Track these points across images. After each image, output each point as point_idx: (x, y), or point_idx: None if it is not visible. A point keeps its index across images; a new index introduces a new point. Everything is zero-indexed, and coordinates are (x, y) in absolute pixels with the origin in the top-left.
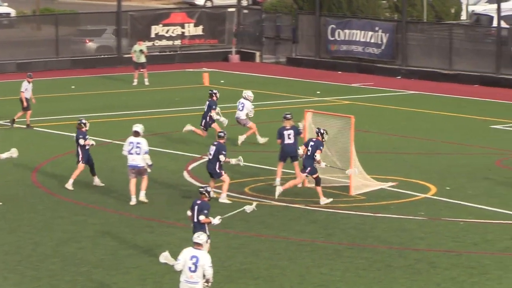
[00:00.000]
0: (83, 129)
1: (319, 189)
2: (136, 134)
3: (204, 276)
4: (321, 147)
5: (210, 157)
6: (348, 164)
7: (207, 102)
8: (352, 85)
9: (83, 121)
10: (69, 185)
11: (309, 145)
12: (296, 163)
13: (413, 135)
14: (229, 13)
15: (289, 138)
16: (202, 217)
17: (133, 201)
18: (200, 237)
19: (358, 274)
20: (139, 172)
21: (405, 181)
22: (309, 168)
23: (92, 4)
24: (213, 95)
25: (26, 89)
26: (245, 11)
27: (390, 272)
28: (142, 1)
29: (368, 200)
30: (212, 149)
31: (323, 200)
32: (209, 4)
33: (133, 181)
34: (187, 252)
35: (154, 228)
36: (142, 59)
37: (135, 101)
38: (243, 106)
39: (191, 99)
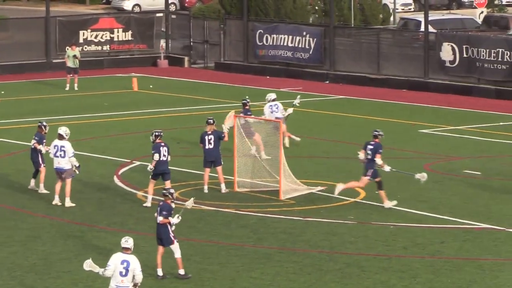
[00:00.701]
0: (43, 132)
1: (382, 193)
2: (60, 137)
3: (133, 279)
4: (380, 150)
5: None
6: (277, 169)
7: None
8: (281, 89)
9: (44, 123)
10: (42, 190)
11: (367, 148)
12: (219, 168)
13: (342, 139)
14: (157, 18)
15: (209, 143)
16: (160, 218)
17: (56, 200)
18: (128, 241)
19: (288, 278)
20: (64, 174)
21: (334, 185)
22: (371, 171)
23: (20, 10)
24: (246, 104)
25: None
26: (173, 16)
27: (321, 276)
28: (70, 6)
29: (298, 204)
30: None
31: (387, 204)
32: (137, 9)
33: (59, 183)
34: (117, 257)
35: (85, 233)
36: (76, 64)
37: (64, 105)
38: (277, 107)
39: (120, 104)
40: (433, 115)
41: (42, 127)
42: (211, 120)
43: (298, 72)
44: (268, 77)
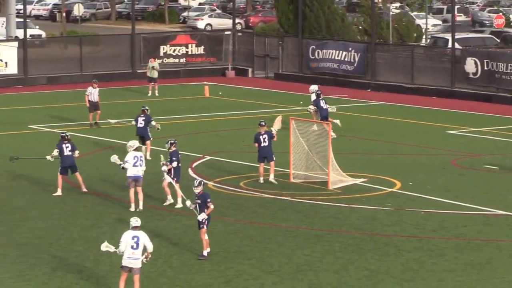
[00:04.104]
0: (145, 114)
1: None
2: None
3: (144, 251)
4: None
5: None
6: (326, 163)
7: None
8: (330, 96)
9: (146, 107)
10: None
11: None
12: (272, 162)
13: (381, 139)
14: (226, 35)
15: (264, 141)
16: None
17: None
18: (138, 220)
19: (335, 255)
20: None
21: (374, 177)
22: None
23: (110, 28)
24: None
25: (90, 92)
26: (239, 34)
27: (363, 254)
28: (152, 25)
29: (343, 193)
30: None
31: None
32: (209, 28)
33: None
34: (128, 234)
35: (164, 216)
36: (155, 75)
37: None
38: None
39: (194, 108)
40: (458, 119)
41: (145, 110)
42: (263, 122)
43: (344, 82)
44: (319, 85)
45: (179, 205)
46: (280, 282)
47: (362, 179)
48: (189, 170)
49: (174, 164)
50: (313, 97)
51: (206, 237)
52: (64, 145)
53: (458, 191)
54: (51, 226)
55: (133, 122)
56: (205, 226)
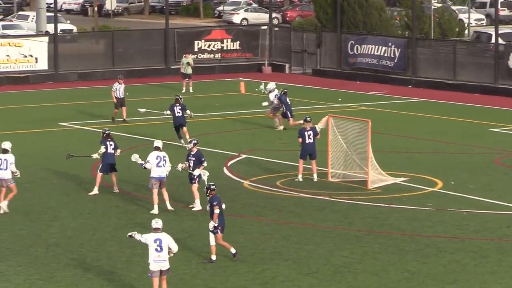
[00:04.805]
0: (180, 102)
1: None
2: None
3: (169, 251)
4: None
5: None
6: (365, 162)
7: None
8: (369, 93)
9: (179, 96)
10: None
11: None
12: (314, 160)
13: (422, 136)
14: (262, 30)
15: (309, 138)
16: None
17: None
18: (158, 222)
19: (375, 257)
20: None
21: (415, 176)
22: None
23: (143, 22)
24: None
25: (117, 88)
26: (276, 28)
27: (403, 255)
28: (186, 19)
29: (383, 193)
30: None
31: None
32: (245, 22)
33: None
34: (150, 237)
35: (198, 216)
36: (189, 71)
37: None
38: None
39: (229, 105)
40: (502, 116)
41: (179, 99)
42: (309, 118)
43: (384, 78)
44: (358, 82)
45: (197, 207)
46: (318, 284)
47: (403, 178)
48: (224, 169)
49: (205, 163)
50: (275, 94)
51: (218, 242)
52: (108, 143)
53: (501, 191)
54: (82, 226)
55: (167, 112)
56: (216, 225)
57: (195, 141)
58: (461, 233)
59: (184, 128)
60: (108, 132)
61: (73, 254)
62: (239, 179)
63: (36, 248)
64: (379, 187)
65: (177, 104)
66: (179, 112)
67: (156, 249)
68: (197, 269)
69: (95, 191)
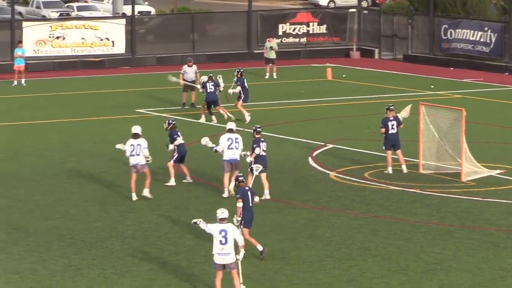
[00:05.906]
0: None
1: None
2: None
3: (236, 246)
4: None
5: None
6: (459, 153)
7: None
8: (463, 80)
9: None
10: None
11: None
12: (399, 151)
13: None
14: (350, 13)
15: (392, 128)
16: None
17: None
18: (224, 212)
19: (468, 253)
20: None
21: None
22: None
23: (225, 4)
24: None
25: (185, 71)
26: (365, 11)
27: (498, 252)
28: (270, 1)
29: (477, 186)
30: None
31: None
32: (332, 5)
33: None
34: (216, 228)
35: (281, 209)
36: (273, 55)
37: (264, 92)
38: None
39: (315, 92)
40: None
41: (212, 76)
42: (392, 107)
43: (479, 64)
44: (451, 68)
45: (266, 196)
46: (408, 281)
47: (498, 171)
48: (309, 159)
49: (257, 150)
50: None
51: (244, 237)
52: (179, 133)
53: None
54: (160, 218)
55: (201, 89)
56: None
57: (259, 128)
58: None
59: (218, 107)
60: (175, 122)
61: (150, 247)
62: (325, 170)
63: (112, 240)
64: (473, 179)
65: (210, 81)
66: (211, 88)
67: (221, 241)
68: (280, 265)
69: (172, 182)
